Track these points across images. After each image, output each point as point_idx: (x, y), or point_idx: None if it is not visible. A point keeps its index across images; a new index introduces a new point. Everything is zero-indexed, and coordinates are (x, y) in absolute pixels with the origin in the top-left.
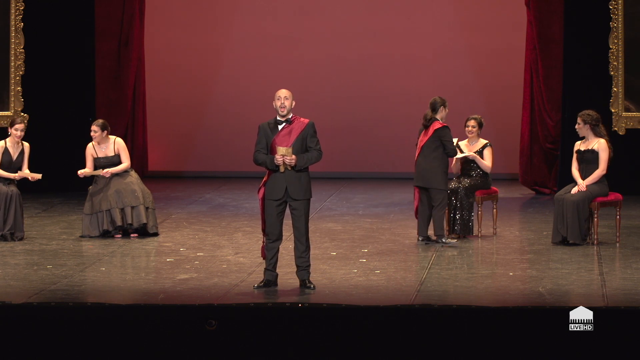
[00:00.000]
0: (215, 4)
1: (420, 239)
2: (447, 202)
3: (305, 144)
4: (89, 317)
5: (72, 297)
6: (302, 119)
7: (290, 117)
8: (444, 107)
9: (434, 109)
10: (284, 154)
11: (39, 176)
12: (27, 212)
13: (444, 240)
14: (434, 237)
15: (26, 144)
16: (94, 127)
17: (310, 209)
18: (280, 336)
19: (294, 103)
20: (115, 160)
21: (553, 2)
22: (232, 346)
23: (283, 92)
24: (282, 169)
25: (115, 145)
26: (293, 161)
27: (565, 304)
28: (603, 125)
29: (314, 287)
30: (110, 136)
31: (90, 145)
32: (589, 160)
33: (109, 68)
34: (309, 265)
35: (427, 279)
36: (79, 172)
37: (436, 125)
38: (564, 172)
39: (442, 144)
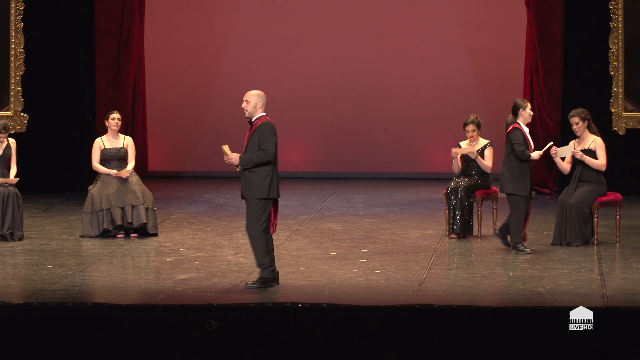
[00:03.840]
0: (215, 4)
1: (495, 231)
2: (522, 208)
3: (259, 144)
4: (89, 317)
5: (72, 297)
6: (263, 119)
7: (253, 118)
8: (524, 109)
9: (515, 113)
10: (224, 152)
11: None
12: (27, 212)
13: (519, 247)
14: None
15: (12, 140)
16: (119, 115)
17: (311, 209)
18: (280, 336)
19: (260, 104)
20: (122, 153)
21: (553, 2)
22: (232, 346)
23: (246, 95)
24: (236, 168)
25: (126, 141)
26: (232, 160)
27: (565, 304)
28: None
29: (259, 284)
30: (120, 134)
31: (98, 139)
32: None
33: (109, 68)
34: (267, 265)
35: (427, 279)
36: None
37: (510, 128)
38: (564, 172)
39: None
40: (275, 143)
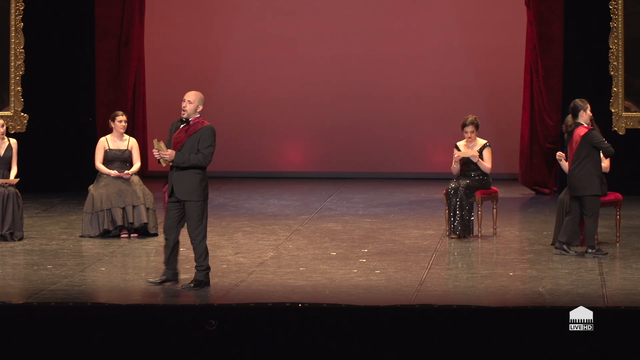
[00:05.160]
0: (215, 4)
1: (557, 244)
2: (599, 209)
3: (197, 146)
4: (89, 317)
5: (72, 297)
6: (204, 122)
7: (191, 119)
8: (585, 110)
9: (575, 114)
10: (156, 148)
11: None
12: (27, 212)
13: (594, 250)
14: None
15: (13, 140)
16: (125, 117)
17: (311, 209)
18: (280, 336)
19: (200, 107)
20: (127, 155)
21: (553, 2)
22: (232, 346)
23: (189, 95)
24: (162, 163)
25: (130, 142)
26: (166, 156)
27: (565, 304)
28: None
29: (192, 285)
30: (125, 135)
31: (103, 138)
32: None
33: (109, 68)
34: (201, 267)
35: (427, 279)
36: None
37: (581, 130)
38: (564, 172)
39: (596, 148)
40: (214, 150)
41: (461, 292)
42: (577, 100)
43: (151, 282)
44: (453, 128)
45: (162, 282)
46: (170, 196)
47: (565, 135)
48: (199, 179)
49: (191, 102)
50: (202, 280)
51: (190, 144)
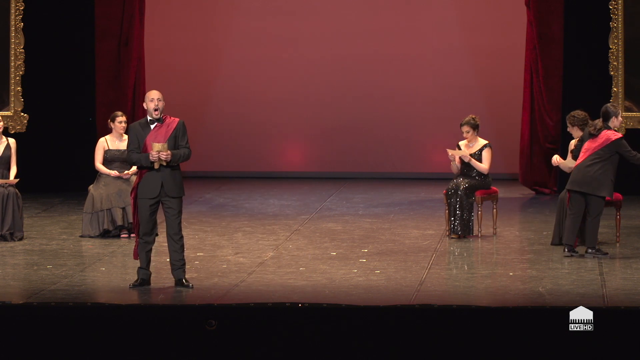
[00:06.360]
0: (215, 4)
1: (566, 249)
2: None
3: (177, 142)
4: (89, 317)
5: (72, 297)
6: (172, 118)
7: (161, 116)
8: (617, 116)
9: (607, 118)
10: (159, 150)
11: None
12: (27, 212)
13: (594, 250)
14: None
15: (11, 140)
16: (124, 118)
17: (311, 209)
18: (280, 336)
19: (164, 103)
20: (126, 155)
21: (553, 2)
22: (232, 346)
23: (155, 94)
24: (156, 165)
25: None
26: (169, 157)
27: (565, 304)
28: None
29: (192, 285)
30: (125, 135)
31: (102, 139)
32: None
33: (109, 68)
34: (185, 264)
35: (427, 279)
36: (107, 171)
37: (611, 135)
38: (564, 172)
39: (623, 156)
40: None
41: (461, 292)
42: (609, 105)
43: (132, 287)
44: (453, 128)
45: (141, 285)
46: (155, 197)
47: (588, 133)
48: (181, 175)
49: (161, 100)
50: (182, 278)
51: (172, 142)
